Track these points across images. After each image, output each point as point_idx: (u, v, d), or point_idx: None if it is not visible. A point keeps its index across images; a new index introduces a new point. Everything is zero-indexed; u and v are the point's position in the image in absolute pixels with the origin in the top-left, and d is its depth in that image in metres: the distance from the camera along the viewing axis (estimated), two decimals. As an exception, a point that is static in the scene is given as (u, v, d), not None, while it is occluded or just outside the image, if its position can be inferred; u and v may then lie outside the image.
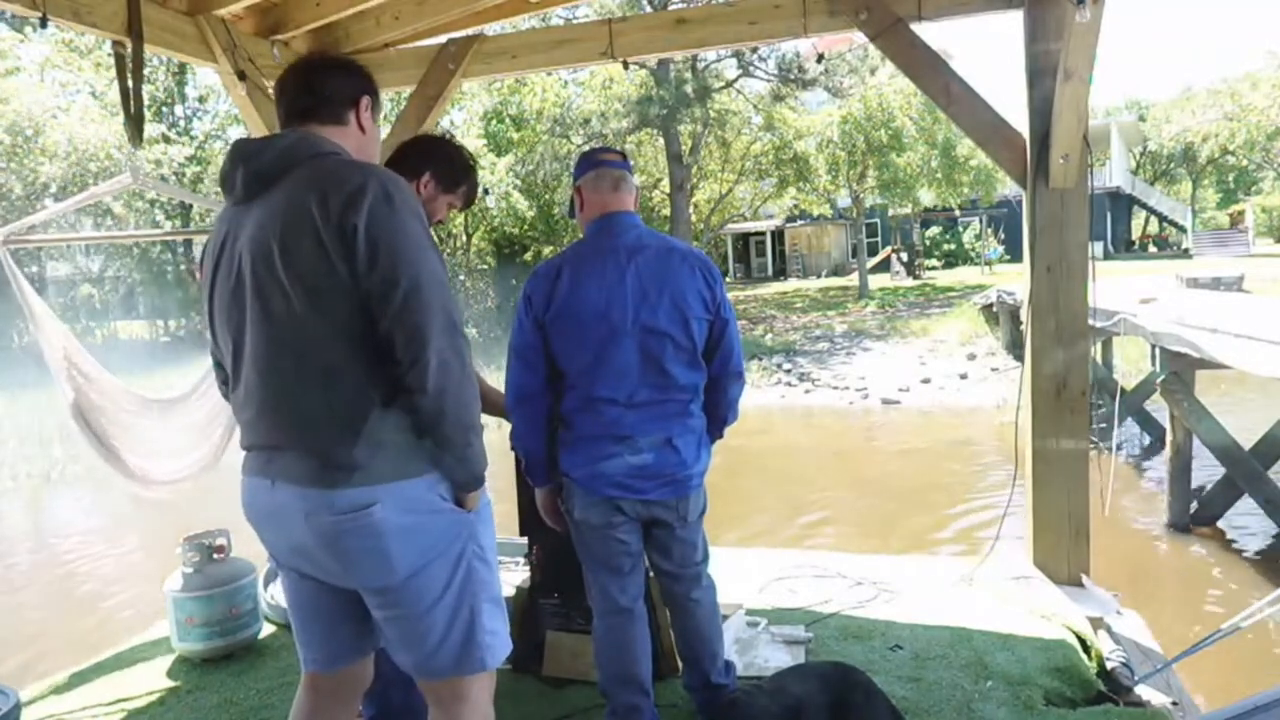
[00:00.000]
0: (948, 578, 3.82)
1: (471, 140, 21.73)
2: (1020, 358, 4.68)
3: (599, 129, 22.52)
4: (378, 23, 4.10)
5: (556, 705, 2.82)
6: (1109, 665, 3.02)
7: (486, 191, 21.96)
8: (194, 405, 3.84)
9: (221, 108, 26.37)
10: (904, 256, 30.14)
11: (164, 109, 25.27)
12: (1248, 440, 7.62)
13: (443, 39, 4.18)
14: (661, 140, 24.31)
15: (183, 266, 25.46)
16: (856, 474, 11.08)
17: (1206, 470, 8.08)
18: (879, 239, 33.34)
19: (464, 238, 25.33)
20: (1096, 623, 3.30)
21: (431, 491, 1.65)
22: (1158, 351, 7.71)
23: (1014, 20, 3.58)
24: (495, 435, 1.94)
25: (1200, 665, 3.68)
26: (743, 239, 36.95)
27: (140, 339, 25.75)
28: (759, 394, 16.47)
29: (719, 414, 2.42)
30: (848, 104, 22.30)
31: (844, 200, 27.76)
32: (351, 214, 1.54)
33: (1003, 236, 30.24)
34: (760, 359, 18.27)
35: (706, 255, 2.48)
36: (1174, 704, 2.87)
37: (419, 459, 1.63)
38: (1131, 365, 13.38)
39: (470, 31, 4.15)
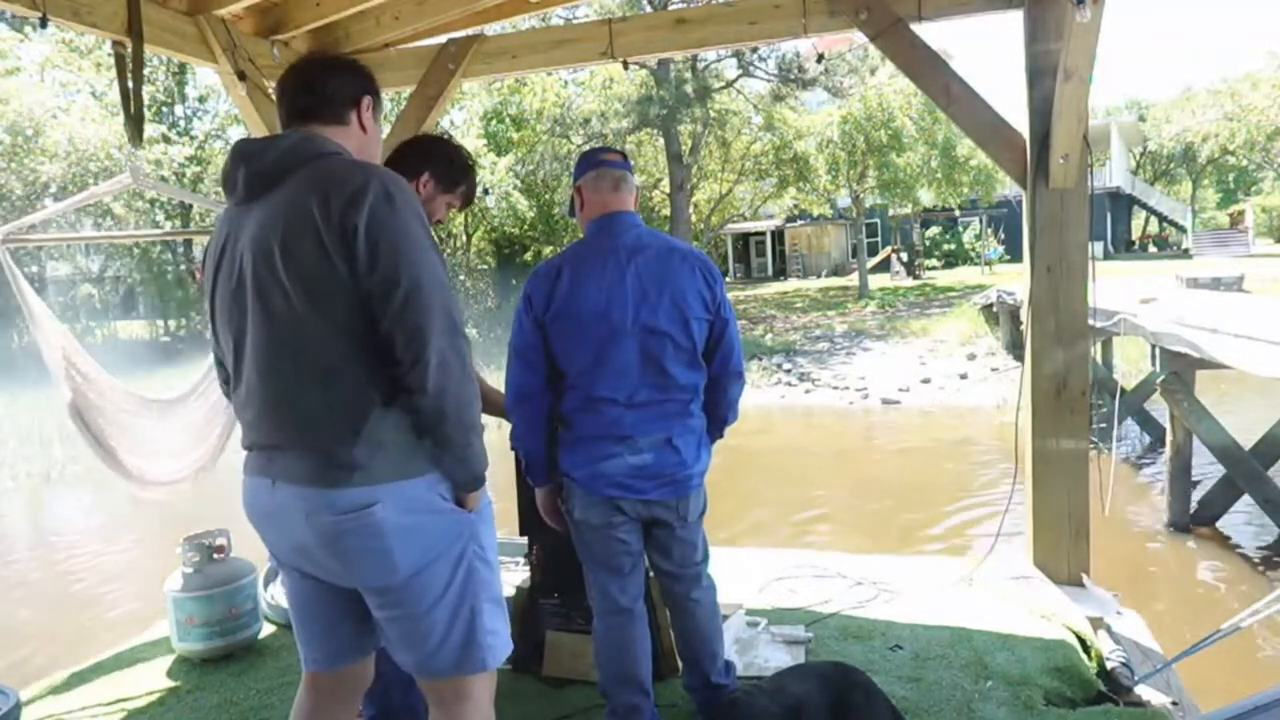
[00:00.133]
0: (948, 578, 3.82)
1: (471, 140, 21.72)
2: (1020, 358, 4.68)
3: (599, 129, 22.53)
4: (378, 23, 4.10)
5: (556, 705, 2.82)
6: (1109, 665, 3.02)
7: (486, 191, 21.95)
8: (193, 406, 3.83)
9: (221, 108, 26.37)
10: (904, 256, 30.14)
11: (164, 109, 25.25)
12: (1248, 440, 7.62)
13: (443, 39, 4.18)
14: (661, 140, 24.32)
15: (183, 266, 25.45)
16: (856, 474, 11.08)
17: (1207, 470, 8.08)
18: (879, 239, 33.34)
19: (464, 238, 25.33)
20: (1096, 623, 3.30)
21: (432, 491, 1.65)
22: (1158, 351, 7.72)
23: (1014, 20, 3.58)
24: (495, 435, 1.93)
25: (1200, 665, 3.68)
26: (743, 239, 36.96)
27: (140, 339, 25.73)
28: (759, 394, 16.47)
29: (719, 414, 2.42)
30: (848, 104, 22.31)
31: (844, 200, 27.76)
32: (353, 214, 1.54)
33: (1003, 236, 30.24)
34: (760, 359, 18.27)
35: (707, 255, 2.48)
36: (1174, 704, 2.87)
37: (419, 459, 1.63)
38: (1131, 365, 13.38)
39: (470, 31, 4.15)
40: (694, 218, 25.84)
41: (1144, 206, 37.19)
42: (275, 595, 3.65)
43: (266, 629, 3.56)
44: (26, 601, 7.74)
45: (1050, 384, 3.59)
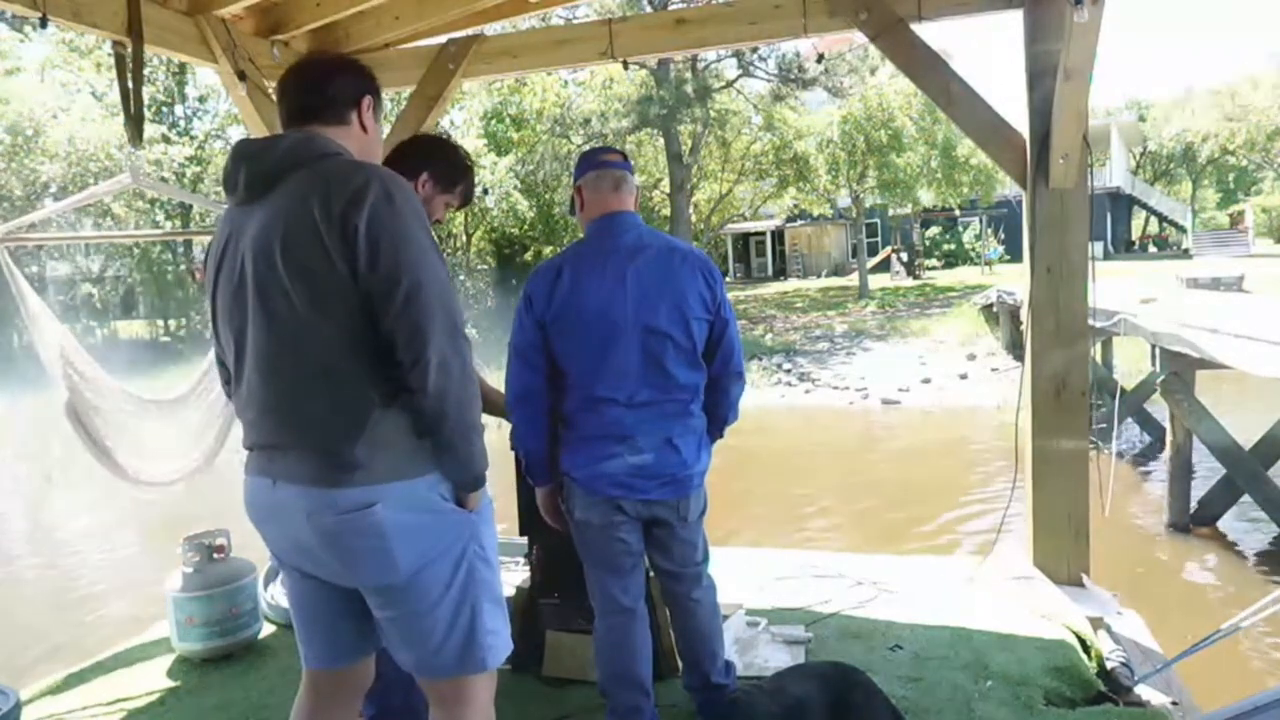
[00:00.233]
0: (948, 578, 3.82)
1: (471, 140, 21.73)
2: (1020, 358, 4.68)
3: (599, 129, 22.54)
4: (378, 23, 4.10)
5: (556, 705, 2.81)
6: (1109, 665, 3.01)
7: (486, 191, 21.96)
8: (191, 407, 3.82)
9: (221, 108, 26.37)
10: (904, 256, 30.13)
11: (164, 109, 25.28)
12: (1248, 440, 7.62)
13: (443, 39, 4.18)
14: (661, 140, 24.33)
15: (183, 266, 25.45)
16: (856, 474, 11.08)
17: (1206, 470, 8.08)
18: (879, 239, 33.32)
19: (464, 238, 25.34)
20: (1096, 623, 3.29)
21: (432, 491, 1.65)
22: (1158, 351, 7.73)
23: (1014, 20, 3.58)
24: (495, 435, 1.94)
25: (1200, 665, 3.67)
26: (743, 239, 36.95)
27: (140, 339, 25.76)
28: (759, 394, 16.47)
29: (719, 414, 2.42)
30: (848, 104, 22.32)
31: (844, 200, 27.75)
32: (353, 214, 1.54)
33: (1003, 236, 30.23)
34: (760, 359, 18.28)
35: (707, 255, 2.48)
36: (1174, 704, 2.87)
37: (420, 459, 1.63)
38: (1131, 365, 13.37)
39: (470, 31, 4.15)
40: (694, 218, 25.84)
41: (1144, 207, 37.18)
42: (275, 595, 3.65)
43: (266, 629, 3.56)
44: (26, 601, 7.74)
45: (1050, 384, 3.59)
